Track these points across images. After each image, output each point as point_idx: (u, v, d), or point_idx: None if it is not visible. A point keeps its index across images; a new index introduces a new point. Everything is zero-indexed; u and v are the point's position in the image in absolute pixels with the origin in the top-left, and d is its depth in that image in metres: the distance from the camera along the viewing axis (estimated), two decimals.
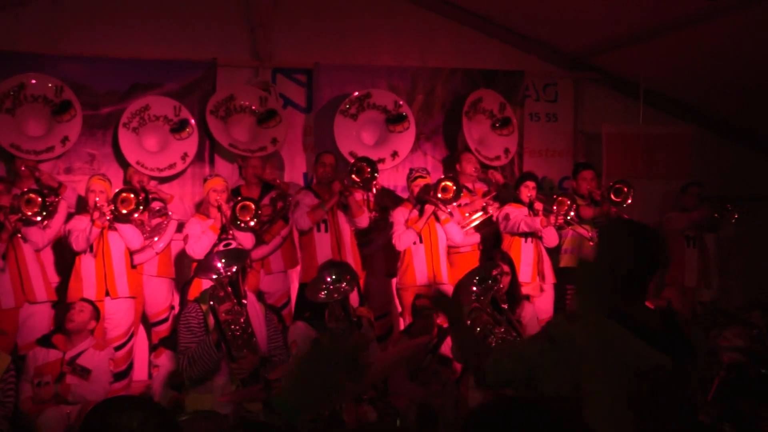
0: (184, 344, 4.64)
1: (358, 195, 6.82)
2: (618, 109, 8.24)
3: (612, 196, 7.04)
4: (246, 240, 6.19)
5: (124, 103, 6.93)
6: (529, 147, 8.03)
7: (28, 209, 5.90)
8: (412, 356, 4.79)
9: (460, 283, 4.37)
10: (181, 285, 6.62)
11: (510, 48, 8.09)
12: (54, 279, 6.34)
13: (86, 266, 6.09)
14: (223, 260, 4.71)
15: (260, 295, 6.30)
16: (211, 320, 4.63)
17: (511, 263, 5.62)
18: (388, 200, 7.35)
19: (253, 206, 6.24)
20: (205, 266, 4.84)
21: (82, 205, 6.45)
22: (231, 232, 6.11)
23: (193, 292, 5.95)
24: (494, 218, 7.00)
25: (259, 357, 4.64)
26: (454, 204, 6.71)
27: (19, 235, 5.89)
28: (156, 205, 6.53)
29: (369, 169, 6.77)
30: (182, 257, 6.74)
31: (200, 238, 6.16)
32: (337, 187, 6.61)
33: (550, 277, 6.90)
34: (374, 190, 6.85)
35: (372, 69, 7.65)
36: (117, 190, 6.17)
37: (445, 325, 5.23)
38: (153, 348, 6.64)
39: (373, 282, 7.14)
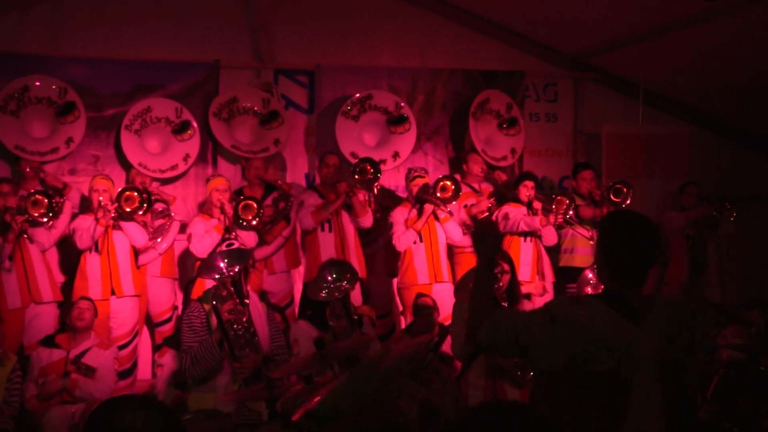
0: (187, 343, 4.67)
1: (361, 195, 6.86)
2: (618, 109, 8.24)
3: (612, 196, 7.07)
4: (249, 239, 6.23)
5: (128, 104, 6.96)
6: (529, 147, 8.04)
7: (35, 210, 5.94)
8: (413, 355, 4.81)
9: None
10: (185, 285, 6.66)
11: (510, 48, 8.10)
12: (60, 278, 6.38)
13: (91, 265, 6.13)
14: (226, 260, 4.73)
15: (263, 295, 6.34)
16: (213, 320, 4.65)
17: (510, 262, 5.61)
18: (389, 200, 7.38)
19: (255, 205, 6.29)
20: (208, 266, 4.86)
21: (85, 205, 6.48)
22: (234, 232, 6.15)
23: (196, 292, 5.97)
24: (493, 218, 7.03)
25: (261, 356, 4.67)
26: (454, 203, 6.74)
27: (26, 236, 5.93)
28: (159, 207, 6.56)
29: (372, 170, 6.82)
30: (185, 257, 6.79)
31: (203, 237, 6.19)
32: (343, 188, 6.66)
33: (549, 276, 6.93)
34: (375, 191, 6.89)
35: (373, 70, 7.68)
36: (120, 189, 6.21)
37: (446, 324, 5.27)
38: (156, 348, 6.67)
39: (374, 282, 7.15)
